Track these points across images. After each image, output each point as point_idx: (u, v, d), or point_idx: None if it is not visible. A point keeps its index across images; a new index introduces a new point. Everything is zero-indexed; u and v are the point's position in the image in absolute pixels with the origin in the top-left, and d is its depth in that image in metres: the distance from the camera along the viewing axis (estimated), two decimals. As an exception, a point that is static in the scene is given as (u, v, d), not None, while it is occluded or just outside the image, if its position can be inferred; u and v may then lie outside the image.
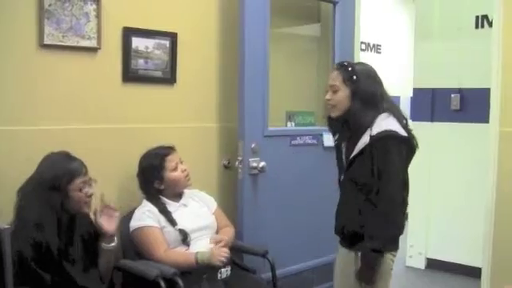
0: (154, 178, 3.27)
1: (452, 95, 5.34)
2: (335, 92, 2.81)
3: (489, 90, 4.16)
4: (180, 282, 2.88)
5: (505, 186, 4.03)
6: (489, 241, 4.12)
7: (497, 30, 4.07)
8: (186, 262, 3.08)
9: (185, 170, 3.32)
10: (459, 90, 5.31)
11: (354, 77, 2.76)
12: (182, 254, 3.12)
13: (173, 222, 3.19)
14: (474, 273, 4.70)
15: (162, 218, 3.18)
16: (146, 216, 3.17)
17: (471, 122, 5.16)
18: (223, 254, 3.09)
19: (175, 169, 3.28)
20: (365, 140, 2.71)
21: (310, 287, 4.12)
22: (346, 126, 2.83)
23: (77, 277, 2.73)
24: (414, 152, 2.81)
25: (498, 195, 4.06)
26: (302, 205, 4.00)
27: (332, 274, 4.10)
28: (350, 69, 2.79)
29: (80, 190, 2.75)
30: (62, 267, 2.68)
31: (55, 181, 2.69)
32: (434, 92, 5.49)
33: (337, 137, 2.95)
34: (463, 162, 5.28)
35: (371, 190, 2.68)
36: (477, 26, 5.21)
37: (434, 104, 5.49)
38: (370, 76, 2.81)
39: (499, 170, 4.06)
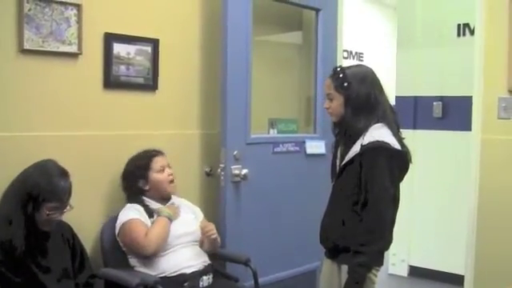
0: (139, 177, 3.27)
1: (434, 103, 5.37)
2: (331, 100, 2.75)
3: (471, 97, 4.19)
4: (161, 289, 2.86)
5: (487, 194, 4.05)
6: (471, 248, 4.13)
7: (479, 38, 4.10)
8: (163, 227, 3.12)
9: (171, 174, 3.31)
10: (441, 98, 5.34)
11: (345, 83, 2.68)
12: (156, 226, 3.12)
13: (150, 214, 3.19)
14: (456, 280, 4.71)
15: (146, 217, 3.17)
16: (131, 212, 3.16)
17: (453, 129, 5.18)
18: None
19: (161, 171, 3.28)
20: (356, 149, 2.63)
21: (293, 295, 4.10)
22: (343, 132, 2.77)
23: (51, 286, 2.69)
24: (407, 167, 2.73)
25: (481, 203, 4.08)
26: (284, 212, 3.99)
27: (314, 281, 4.13)
28: (341, 75, 2.71)
29: (49, 210, 2.69)
30: (34, 274, 2.65)
31: (36, 190, 2.65)
32: (416, 100, 5.51)
33: (334, 142, 2.89)
34: (445, 169, 5.30)
35: (358, 201, 2.62)
36: (458, 35, 5.25)
37: (416, 112, 5.51)
38: (364, 79, 2.71)
39: (481, 178, 4.09)
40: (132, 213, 3.16)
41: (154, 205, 3.26)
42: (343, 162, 2.72)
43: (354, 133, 2.68)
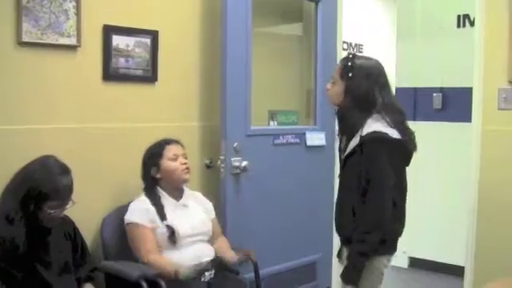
0: (152, 164, 3.24)
1: (434, 94, 5.36)
2: (333, 84, 2.81)
3: (471, 89, 4.18)
4: (162, 283, 2.84)
5: (487, 185, 4.05)
6: (471, 239, 4.13)
7: (479, 29, 4.09)
8: (165, 272, 2.98)
9: (185, 163, 3.27)
10: (441, 90, 5.33)
11: (350, 74, 2.72)
12: (164, 264, 3.02)
13: (162, 217, 3.15)
14: (456, 271, 4.72)
15: (158, 220, 3.13)
16: (141, 214, 3.12)
17: (453, 121, 5.18)
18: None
19: (174, 159, 3.25)
20: (356, 140, 2.67)
21: (293, 287, 4.10)
22: (341, 120, 2.83)
23: (52, 281, 2.69)
24: (410, 155, 2.78)
25: (481, 194, 4.08)
26: (284, 204, 3.99)
27: (315, 273, 4.16)
28: (349, 64, 2.74)
29: (51, 208, 2.67)
30: (36, 270, 2.65)
31: (38, 189, 2.62)
32: (416, 91, 5.51)
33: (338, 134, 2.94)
34: (446, 161, 5.30)
35: (360, 191, 2.66)
36: (458, 26, 5.25)
37: (416, 103, 5.51)
38: (368, 75, 2.72)
39: (482, 169, 4.08)
40: (143, 215, 3.11)
41: (166, 200, 3.23)
42: (345, 154, 2.76)
43: (349, 125, 2.74)
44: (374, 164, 2.61)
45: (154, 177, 3.25)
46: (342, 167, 2.82)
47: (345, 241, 2.83)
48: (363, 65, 2.76)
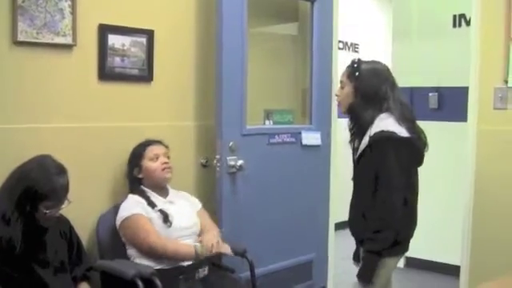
0: (134, 165, 3.29)
1: (430, 94, 5.35)
2: (342, 88, 2.89)
3: (466, 88, 4.19)
4: (157, 281, 2.84)
5: (483, 184, 4.05)
6: (467, 239, 4.14)
7: (475, 29, 4.09)
8: (181, 251, 3.08)
9: (166, 162, 3.30)
10: (437, 89, 5.32)
11: (357, 73, 2.81)
12: (179, 243, 3.11)
13: (152, 205, 3.18)
14: (452, 270, 4.72)
15: (149, 209, 3.16)
16: (134, 206, 3.14)
17: (449, 120, 5.17)
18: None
19: (154, 159, 3.28)
20: (365, 141, 2.74)
21: (289, 286, 4.10)
22: (352, 123, 2.89)
23: (48, 280, 2.69)
24: (420, 153, 2.84)
25: (477, 193, 4.09)
26: (280, 203, 3.99)
27: (311, 272, 4.16)
28: (355, 65, 2.84)
29: (47, 208, 2.66)
30: (32, 269, 2.65)
31: (34, 189, 2.61)
32: (412, 91, 5.48)
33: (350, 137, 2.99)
34: (441, 160, 5.28)
35: (373, 191, 2.71)
36: (454, 25, 5.23)
37: (412, 103, 5.47)
38: (376, 74, 2.83)
39: (477, 168, 4.09)
40: (135, 207, 3.14)
41: (153, 196, 3.26)
42: (357, 155, 2.82)
43: (361, 123, 2.79)
44: (383, 163, 2.67)
45: (137, 177, 3.30)
46: (355, 168, 2.87)
47: (358, 241, 2.88)
48: (370, 66, 2.87)
